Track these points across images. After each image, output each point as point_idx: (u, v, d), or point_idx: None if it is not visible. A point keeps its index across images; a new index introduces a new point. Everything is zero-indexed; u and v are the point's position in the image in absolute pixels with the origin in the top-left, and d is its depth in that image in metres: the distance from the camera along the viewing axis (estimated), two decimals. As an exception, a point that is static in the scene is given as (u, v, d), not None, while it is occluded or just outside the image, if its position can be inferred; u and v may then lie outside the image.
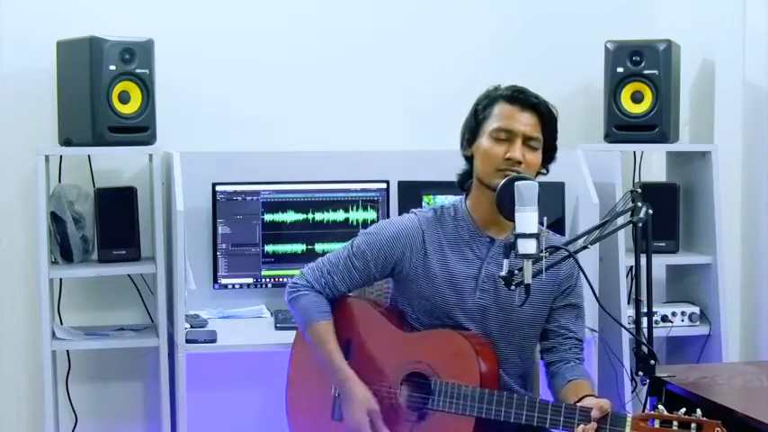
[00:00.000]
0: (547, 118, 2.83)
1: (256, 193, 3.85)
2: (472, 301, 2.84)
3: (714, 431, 2.34)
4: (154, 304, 3.73)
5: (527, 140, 2.79)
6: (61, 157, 3.82)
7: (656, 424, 2.40)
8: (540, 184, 2.62)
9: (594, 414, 2.49)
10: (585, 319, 2.95)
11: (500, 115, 2.81)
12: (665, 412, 2.41)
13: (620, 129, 3.90)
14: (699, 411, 2.38)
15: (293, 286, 2.99)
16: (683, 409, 2.39)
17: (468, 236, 2.87)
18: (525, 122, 2.80)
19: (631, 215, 2.62)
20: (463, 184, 2.92)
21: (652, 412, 2.44)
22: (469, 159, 2.89)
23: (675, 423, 2.37)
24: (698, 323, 3.95)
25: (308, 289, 2.96)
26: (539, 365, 3.00)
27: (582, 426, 2.50)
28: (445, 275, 2.85)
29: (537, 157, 2.82)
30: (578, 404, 2.58)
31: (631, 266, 3.86)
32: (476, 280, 2.84)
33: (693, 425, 2.35)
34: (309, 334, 2.93)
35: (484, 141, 2.82)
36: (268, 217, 3.86)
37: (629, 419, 2.45)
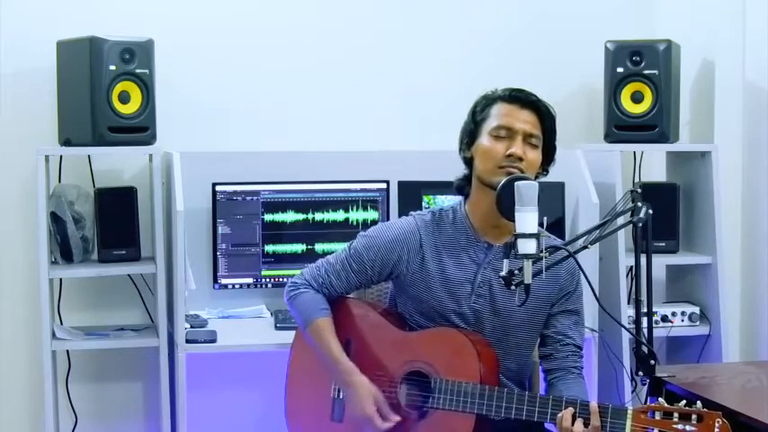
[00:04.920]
0: (545, 116, 2.83)
1: (256, 193, 3.85)
2: (467, 306, 2.84)
3: (715, 422, 2.34)
4: (154, 304, 3.73)
5: (527, 137, 2.79)
6: (61, 157, 3.82)
7: (657, 416, 2.40)
8: (540, 183, 2.62)
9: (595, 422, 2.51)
10: (585, 320, 2.94)
11: (499, 114, 2.82)
12: (666, 404, 2.41)
13: (620, 129, 3.90)
14: (699, 403, 2.39)
15: (292, 285, 3.00)
16: (684, 402, 2.40)
17: (465, 241, 2.87)
18: (525, 120, 2.80)
19: (631, 215, 2.62)
20: (462, 189, 2.92)
21: (653, 404, 2.45)
22: (468, 161, 2.88)
23: (676, 415, 2.37)
24: (698, 323, 3.95)
25: (307, 287, 2.97)
26: (538, 368, 2.99)
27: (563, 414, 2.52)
28: (442, 279, 2.85)
29: (537, 155, 2.82)
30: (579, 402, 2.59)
31: (631, 266, 3.86)
32: (472, 285, 2.84)
33: (694, 416, 2.36)
34: (309, 331, 2.93)
35: (484, 140, 2.82)
36: (268, 217, 3.86)
37: (629, 412, 2.46)
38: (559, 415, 2.55)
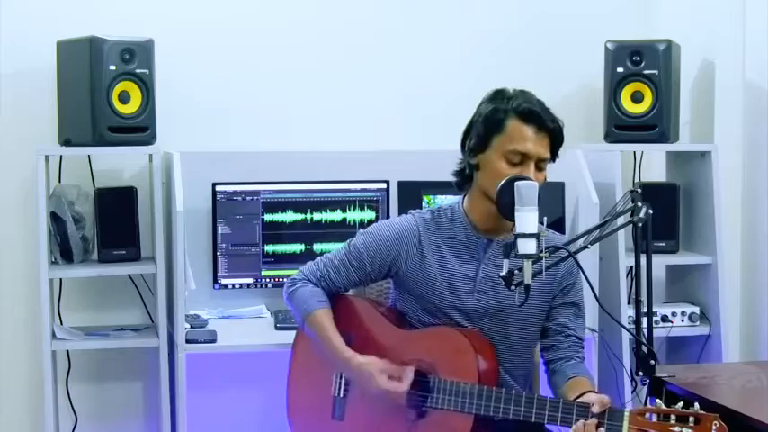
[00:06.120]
0: (558, 139, 2.80)
1: (256, 193, 3.85)
2: (470, 303, 2.84)
3: (712, 424, 2.34)
4: (154, 304, 3.73)
5: (538, 162, 2.77)
6: (61, 157, 3.82)
7: (654, 418, 2.40)
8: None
9: (595, 408, 2.50)
10: (585, 318, 2.95)
11: (514, 135, 2.76)
12: (663, 406, 2.41)
13: (620, 129, 3.90)
14: (696, 405, 2.38)
15: (291, 281, 3.01)
16: (681, 403, 2.40)
17: (465, 237, 2.87)
18: (540, 146, 2.76)
19: (631, 215, 2.62)
20: (461, 184, 2.91)
21: (650, 406, 2.44)
22: (473, 166, 2.86)
23: (673, 417, 2.37)
24: (698, 323, 3.95)
25: (306, 282, 2.97)
26: (539, 366, 3.00)
27: (582, 421, 2.50)
28: (443, 276, 2.85)
29: (544, 175, 2.81)
30: (577, 400, 2.58)
31: (631, 266, 3.86)
32: (473, 281, 2.84)
33: (691, 418, 2.36)
34: (308, 322, 2.93)
35: (495, 158, 2.78)
36: (268, 217, 3.86)
37: (626, 414, 2.46)
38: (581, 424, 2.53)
